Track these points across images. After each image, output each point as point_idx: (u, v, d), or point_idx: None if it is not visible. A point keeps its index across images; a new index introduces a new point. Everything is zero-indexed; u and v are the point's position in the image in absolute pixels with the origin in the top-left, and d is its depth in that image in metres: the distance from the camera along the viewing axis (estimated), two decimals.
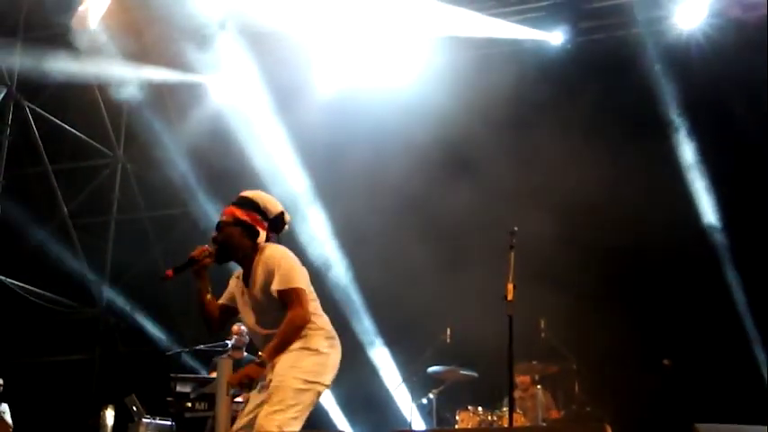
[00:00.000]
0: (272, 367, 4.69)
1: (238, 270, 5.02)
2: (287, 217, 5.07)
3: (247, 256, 4.90)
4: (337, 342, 4.87)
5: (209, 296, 4.96)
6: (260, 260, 4.84)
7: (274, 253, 4.84)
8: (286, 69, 11.60)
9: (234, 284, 5.04)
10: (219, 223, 4.94)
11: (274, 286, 4.71)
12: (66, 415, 11.47)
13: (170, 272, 4.87)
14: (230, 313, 5.07)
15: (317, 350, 4.73)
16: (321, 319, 4.86)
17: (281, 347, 4.65)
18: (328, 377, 4.77)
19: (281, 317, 4.72)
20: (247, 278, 4.90)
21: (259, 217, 4.94)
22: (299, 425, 4.58)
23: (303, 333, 4.73)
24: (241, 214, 4.92)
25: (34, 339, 12.47)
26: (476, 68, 10.82)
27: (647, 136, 10.41)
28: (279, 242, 5.03)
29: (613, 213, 10.19)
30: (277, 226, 5.04)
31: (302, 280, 4.79)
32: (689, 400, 9.25)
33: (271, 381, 4.66)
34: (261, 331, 4.84)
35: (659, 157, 10.48)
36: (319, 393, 4.72)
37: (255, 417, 4.62)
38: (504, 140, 10.36)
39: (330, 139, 11.40)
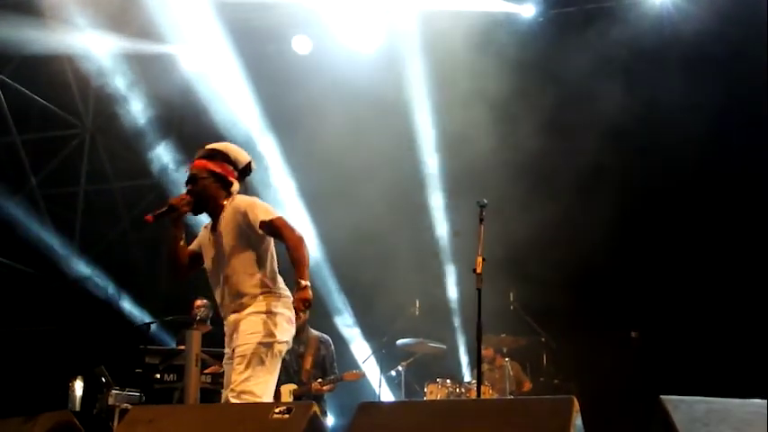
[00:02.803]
0: (236, 331, 4.95)
1: (208, 221, 5.25)
2: (253, 165, 5.35)
3: (220, 206, 5.12)
4: (290, 300, 5.03)
5: (182, 243, 5.19)
6: (229, 207, 5.09)
7: (243, 198, 5.12)
8: (256, 36, 11.52)
9: (203, 233, 5.29)
10: (193, 176, 5.15)
11: (260, 217, 4.95)
12: (35, 386, 11.39)
13: (150, 216, 5.07)
14: (197, 261, 5.28)
15: (268, 311, 4.93)
16: (273, 282, 5.07)
17: (304, 266, 4.84)
18: (284, 334, 4.97)
19: (240, 259, 4.98)
20: (215, 226, 5.13)
21: (231, 168, 5.19)
22: (268, 385, 4.84)
23: (256, 298, 4.97)
24: (214, 167, 5.16)
25: (2, 310, 12.36)
26: (446, 40, 10.76)
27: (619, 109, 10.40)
28: (246, 190, 5.31)
29: (581, 181, 10.22)
30: (244, 174, 5.31)
31: (279, 212, 5.05)
32: (656, 373, 9.33)
33: (235, 350, 4.92)
34: (219, 272, 5.05)
35: (627, 129, 10.47)
36: (281, 351, 4.94)
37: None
38: (472, 112, 10.34)
39: (301, 106, 11.39)
